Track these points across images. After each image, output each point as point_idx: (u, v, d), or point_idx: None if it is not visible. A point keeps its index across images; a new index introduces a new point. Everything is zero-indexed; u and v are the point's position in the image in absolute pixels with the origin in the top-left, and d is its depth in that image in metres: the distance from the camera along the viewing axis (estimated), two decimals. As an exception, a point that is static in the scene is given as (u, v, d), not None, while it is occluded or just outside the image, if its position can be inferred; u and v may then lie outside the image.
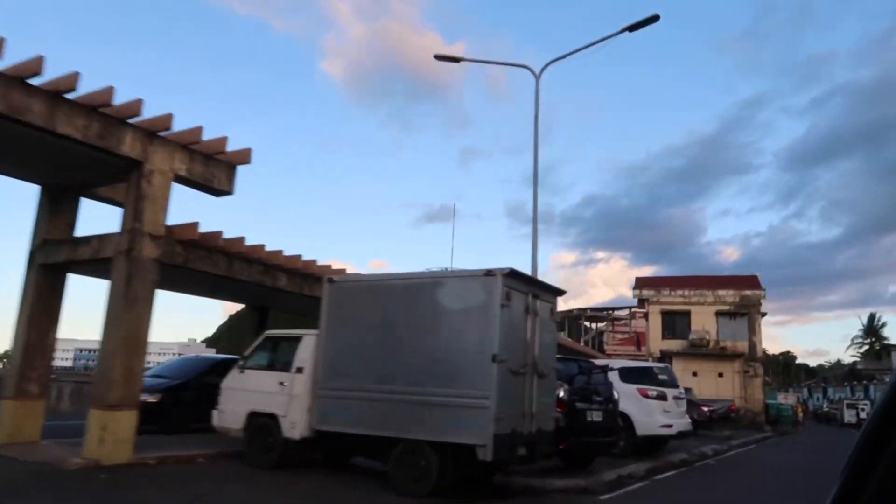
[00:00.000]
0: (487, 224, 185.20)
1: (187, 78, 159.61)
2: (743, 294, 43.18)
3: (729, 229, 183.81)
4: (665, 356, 41.17)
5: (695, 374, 38.90)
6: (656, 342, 43.09)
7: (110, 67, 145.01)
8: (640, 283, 47.00)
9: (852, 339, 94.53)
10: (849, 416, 47.30)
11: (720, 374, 38.39)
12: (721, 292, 43.45)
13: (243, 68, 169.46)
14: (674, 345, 41.77)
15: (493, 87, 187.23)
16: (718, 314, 43.03)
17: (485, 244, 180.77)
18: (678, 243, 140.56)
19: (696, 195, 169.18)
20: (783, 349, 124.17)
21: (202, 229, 11.19)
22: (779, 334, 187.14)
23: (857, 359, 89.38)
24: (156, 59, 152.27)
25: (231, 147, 11.21)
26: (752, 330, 42.23)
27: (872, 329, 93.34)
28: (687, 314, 43.57)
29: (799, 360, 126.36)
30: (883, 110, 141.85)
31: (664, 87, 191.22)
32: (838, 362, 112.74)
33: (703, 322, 42.56)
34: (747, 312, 42.53)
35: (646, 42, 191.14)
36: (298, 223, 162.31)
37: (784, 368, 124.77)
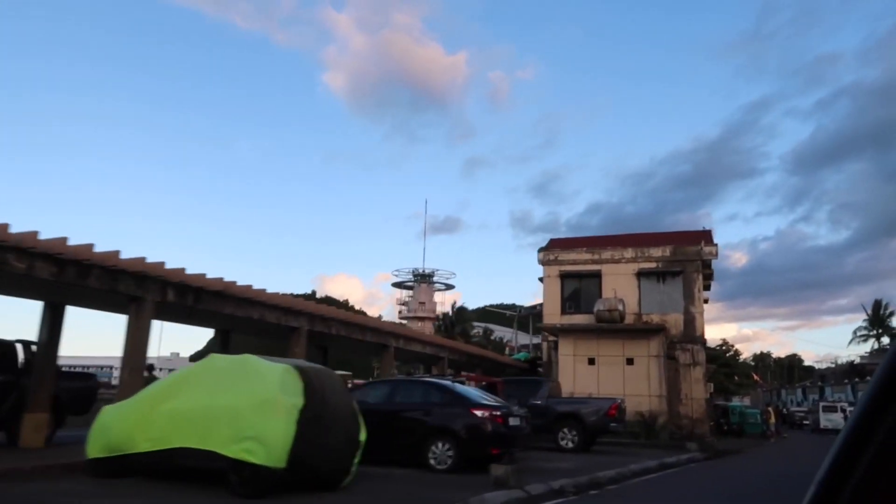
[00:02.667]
0: (493, 234, 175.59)
1: (191, 92, 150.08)
2: (676, 247, 29.86)
3: (736, 234, 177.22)
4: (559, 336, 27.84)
5: (591, 361, 25.55)
6: (554, 317, 29.79)
7: (115, 86, 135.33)
8: (553, 245, 33.74)
9: (855, 332, 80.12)
10: (826, 420, 34.76)
11: (629, 361, 25.05)
12: (652, 250, 30.19)
13: (246, 82, 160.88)
14: (580, 321, 28.45)
15: (496, 96, 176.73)
16: (641, 275, 29.71)
17: (489, 254, 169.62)
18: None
19: (703, 200, 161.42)
20: (790, 353, 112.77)
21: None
22: (788, 339, 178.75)
23: (866, 353, 75.52)
24: (161, 74, 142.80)
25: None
26: (690, 297, 28.89)
27: (879, 319, 78.87)
28: (597, 277, 30.29)
29: (807, 363, 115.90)
30: (890, 110, 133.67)
31: (668, 93, 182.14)
32: (851, 363, 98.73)
33: (620, 287, 29.30)
34: (681, 271, 29.19)
35: (648, 47, 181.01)
36: (305, 236, 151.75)
37: (782, 370, 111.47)
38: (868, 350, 75.83)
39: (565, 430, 18.17)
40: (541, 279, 31.46)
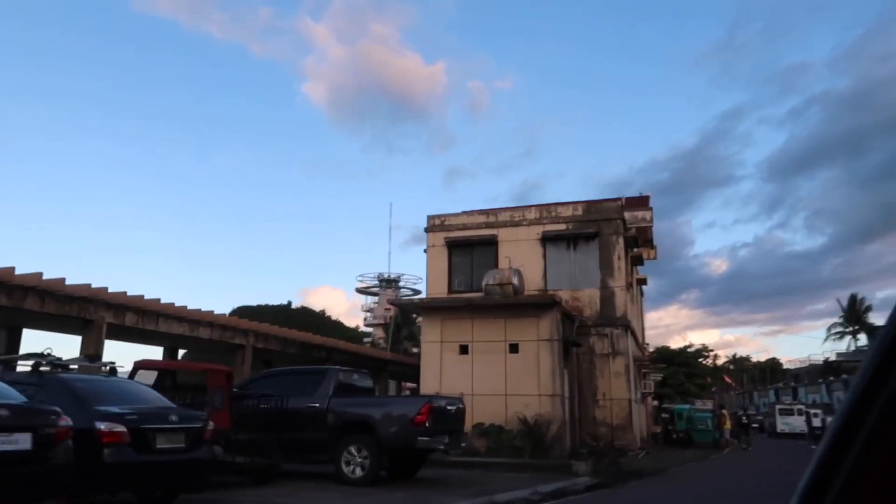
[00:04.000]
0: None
1: (168, 104, 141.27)
2: (591, 205, 23.25)
3: (716, 241, 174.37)
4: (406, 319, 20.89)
5: (465, 349, 18.65)
6: (439, 294, 22.87)
7: (88, 96, 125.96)
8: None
9: (829, 330, 73.96)
10: (783, 424, 28.84)
11: (513, 348, 18.16)
12: (560, 209, 23.55)
13: (224, 93, 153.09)
14: (468, 299, 21.55)
15: (475, 106, 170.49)
16: (546, 240, 23.01)
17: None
18: (665, 257, 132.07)
19: (682, 208, 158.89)
20: (771, 357, 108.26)
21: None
22: (769, 344, 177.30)
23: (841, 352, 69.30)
24: (136, 87, 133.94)
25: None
26: (608, 267, 22.24)
27: (854, 314, 72.72)
28: (492, 244, 23.54)
29: (787, 367, 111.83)
30: (861, 118, 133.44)
31: (644, 102, 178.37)
32: (825, 360, 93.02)
33: (521, 256, 22.59)
34: (596, 234, 22.51)
35: (624, 57, 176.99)
36: (287, 249, 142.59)
37: (760, 373, 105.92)
38: (845, 348, 70.00)
39: (352, 448, 11.25)
40: (426, 251, 24.61)
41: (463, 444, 12.41)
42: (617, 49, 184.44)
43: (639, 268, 32.29)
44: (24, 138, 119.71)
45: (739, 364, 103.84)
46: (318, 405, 11.68)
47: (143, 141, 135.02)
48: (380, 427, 11.15)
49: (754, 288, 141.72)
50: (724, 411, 29.92)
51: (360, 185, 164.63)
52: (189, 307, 17.37)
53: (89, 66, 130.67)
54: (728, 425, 28.67)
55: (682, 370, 49.24)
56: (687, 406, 31.66)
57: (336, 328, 51.36)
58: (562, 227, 22.93)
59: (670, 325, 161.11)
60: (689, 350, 55.80)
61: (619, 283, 22.06)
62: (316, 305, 72.29)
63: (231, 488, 10.33)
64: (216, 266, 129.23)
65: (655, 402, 46.24)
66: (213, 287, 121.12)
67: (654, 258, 32.97)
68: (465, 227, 24.01)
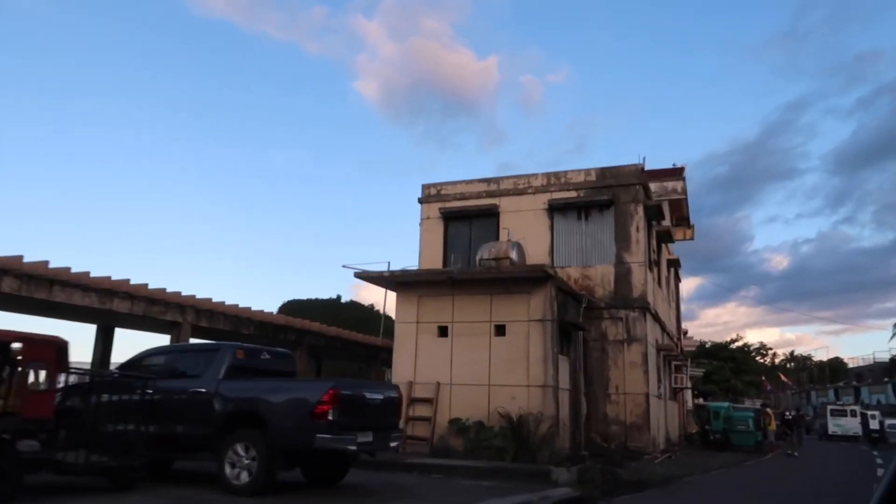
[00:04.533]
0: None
1: (226, 102, 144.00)
2: (605, 169, 20.14)
3: (777, 237, 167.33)
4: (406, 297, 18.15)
5: (444, 331, 15.94)
6: (432, 265, 20.19)
7: (148, 94, 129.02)
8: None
9: (896, 325, 67.96)
10: (835, 426, 25.47)
11: (499, 330, 15.36)
12: (570, 174, 20.55)
13: (278, 91, 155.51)
14: (448, 272, 18.77)
15: (527, 100, 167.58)
16: (554, 209, 20.08)
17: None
18: (724, 253, 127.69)
19: (742, 203, 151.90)
20: (834, 357, 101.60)
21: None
22: (834, 343, 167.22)
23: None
24: (195, 85, 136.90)
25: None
26: (624, 240, 19.17)
27: (927, 308, 66.59)
28: (493, 215, 20.76)
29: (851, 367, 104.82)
30: None
31: (702, 94, 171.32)
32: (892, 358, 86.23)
33: (525, 228, 19.77)
34: (611, 202, 19.43)
35: (681, 49, 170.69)
36: (341, 245, 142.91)
37: (822, 372, 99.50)
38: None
39: (239, 446, 8.74)
40: (420, 224, 21.98)
41: (393, 444, 9.72)
42: (674, 39, 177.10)
43: (681, 259, 28.82)
44: (89, 132, 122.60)
45: (800, 362, 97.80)
46: (203, 390, 9.22)
47: (199, 138, 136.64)
48: (269, 419, 8.60)
49: (817, 285, 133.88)
50: (769, 410, 26.30)
51: (413, 180, 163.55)
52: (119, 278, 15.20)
53: (150, 66, 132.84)
54: (773, 426, 25.11)
55: (727, 365, 45.32)
56: (725, 404, 28.10)
57: (384, 321, 49.51)
58: (572, 194, 19.93)
59: (728, 323, 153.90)
60: (734, 344, 51.47)
61: (638, 259, 18.94)
62: (367, 300, 71.12)
63: (66, 494, 7.99)
64: (273, 262, 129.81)
65: (700, 400, 42.51)
66: (270, 283, 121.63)
67: (691, 238, 29.48)
68: (463, 197, 21.26)
